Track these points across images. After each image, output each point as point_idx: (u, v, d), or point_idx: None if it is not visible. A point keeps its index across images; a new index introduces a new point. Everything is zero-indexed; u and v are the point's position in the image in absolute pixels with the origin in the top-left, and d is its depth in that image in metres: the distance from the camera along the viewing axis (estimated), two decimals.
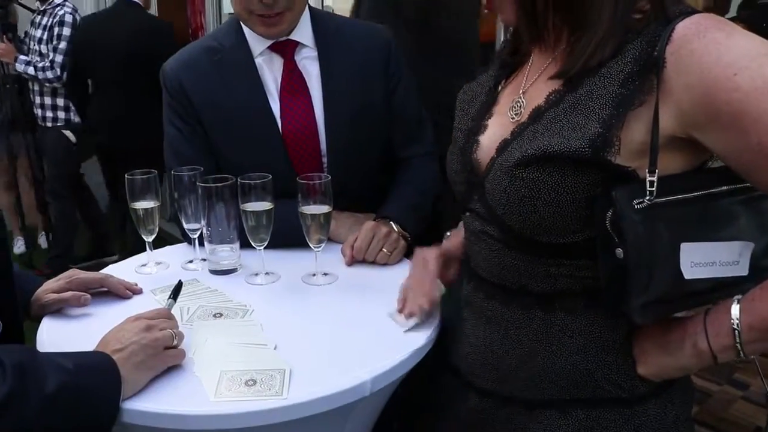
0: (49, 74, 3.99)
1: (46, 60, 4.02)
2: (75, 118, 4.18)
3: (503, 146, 0.99)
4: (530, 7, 0.95)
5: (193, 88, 1.51)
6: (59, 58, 3.99)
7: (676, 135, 0.88)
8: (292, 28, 1.51)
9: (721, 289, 0.92)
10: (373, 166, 1.64)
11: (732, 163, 0.87)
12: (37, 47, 4.11)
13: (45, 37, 4.09)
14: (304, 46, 1.54)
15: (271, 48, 1.52)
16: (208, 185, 1.35)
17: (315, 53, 1.54)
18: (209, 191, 1.35)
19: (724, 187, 0.91)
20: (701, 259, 0.90)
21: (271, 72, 1.53)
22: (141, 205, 1.40)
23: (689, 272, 0.89)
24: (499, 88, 1.12)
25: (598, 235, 0.91)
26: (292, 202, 1.31)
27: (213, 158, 1.53)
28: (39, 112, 4.22)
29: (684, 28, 0.86)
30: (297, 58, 1.53)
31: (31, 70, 4.01)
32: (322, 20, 1.57)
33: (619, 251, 0.88)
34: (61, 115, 4.20)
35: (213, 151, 1.53)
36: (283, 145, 1.51)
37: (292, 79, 1.52)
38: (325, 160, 1.53)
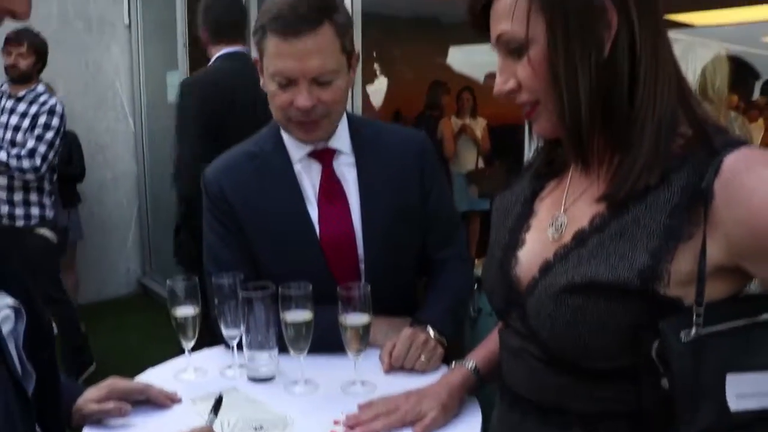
0: (26, 163, 3.50)
1: (21, 149, 3.54)
2: (50, 214, 3.70)
3: (546, 268, 1.00)
4: (576, 126, 0.95)
5: (233, 193, 1.55)
6: (42, 148, 3.54)
7: (724, 265, 0.88)
8: (329, 133, 1.55)
9: None
10: (409, 270, 1.65)
11: None
12: (8, 135, 3.62)
13: (24, 125, 3.62)
14: (341, 152, 1.58)
15: (310, 155, 1.56)
16: (249, 293, 1.37)
17: (352, 159, 1.58)
18: (249, 299, 1.37)
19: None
20: (748, 390, 0.88)
21: (309, 178, 1.56)
22: (182, 311, 1.42)
23: (735, 403, 0.87)
24: (536, 199, 1.14)
25: (643, 364, 0.90)
26: (331, 310, 1.32)
27: (252, 264, 1.55)
28: (4, 209, 3.59)
29: (733, 161, 0.87)
30: (335, 164, 1.57)
31: (2, 155, 3.47)
32: (359, 126, 1.62)
33: (665, 381, 0.87)
34: (35, 211, 3.67)
35: (252, 257, 1.55)
36: (322, 251, 1.53)
37: (330, 185, 1.55)
38: (362, 266, 1.55)
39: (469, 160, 6.29)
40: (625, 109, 0.94)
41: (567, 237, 1.01)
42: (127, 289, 6.02)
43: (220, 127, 2.75)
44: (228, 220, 1.56)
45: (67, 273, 4.60)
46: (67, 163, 4.55)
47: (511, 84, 0.99)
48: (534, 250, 1.06)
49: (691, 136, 0.95)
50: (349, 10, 3.46)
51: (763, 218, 0.83)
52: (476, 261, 2.07)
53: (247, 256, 1.55)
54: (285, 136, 1.57)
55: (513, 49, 0.97)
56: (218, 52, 3.00)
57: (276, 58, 1.42)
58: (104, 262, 5.79)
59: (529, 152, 2.51)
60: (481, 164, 6.35)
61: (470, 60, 7.78)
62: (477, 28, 1.03)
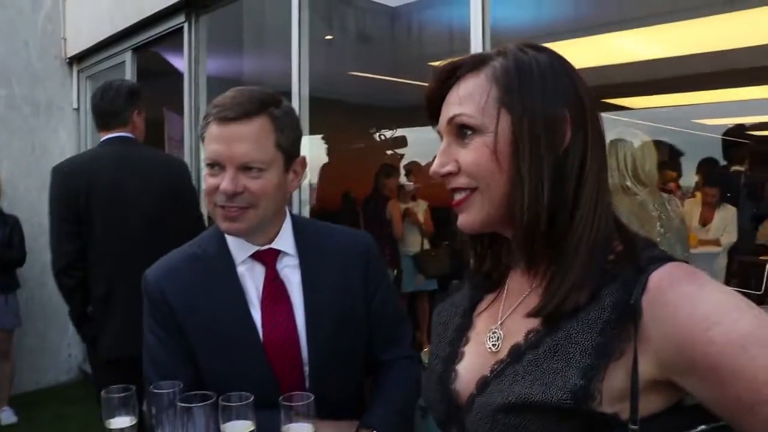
0: None
1: None
2: None
3: (483, 384, 1.00)
4: (533, 219, 0.96)
5: (174, 296, 1.53)
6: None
7: (657, 379, 0.89)
8: (254, 229, 1.51)
9: None
10: (355, 372, 1.63)
11: (712, 410, 0.88)
12: None
13: None
14: (285, 254, 1.58)
15: (254, 256, 1.55)
16: (188, 402, 1.33)
17: (296, 261, 1.58)
18: (189, 408, 1.33)
19: (703, 426, 0.92)
20: None
21: (252, 280, 1.55)
22: (117, 423, 1.37)
23: None
24: (474, 311, 1.15)
25: None
26: (273, 419, 1.29)
27: (193, 367, 1.51)
28: None
29: (658, 278, 0.89)
30: (279, 266, 1.57)
31: None
32: (303, 227, 1.63)
33: None
34: None
35: (193, 360, 1.52)
36: (265, 355, 1.50)
37: (274, 288, 1.54)
38: (306, 368, 1.53)
39: (414, 242, 6.35)
40: (566, 222, 0.96)
41: (503, 352, 1.01)
42: (67, 375, 5.82)
43: (83, 210, 2.96)
44: (168, 324, 1.53)
45: (3, 362, 4.41)
46: (6, 247, 4.43)
47: (450, 167, 1.00)
48: (472, 364, 1.06)
49: (621, 251, 0.97)
50: (297, 94, 3.62)
51: (688, 334, 0.85)
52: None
53: (187, 360, 1.52)
54: (229, 237, 1.56)
55: (461, 133, 0.99)
56: (104, 137, 3.17)
57: (210, 142, 1.45)
58: (44, 347, 5.61)
59: None
60: (426, 246, 6.41)
61: (413, 144, 7.97)
62: (429, 111, 1.06)
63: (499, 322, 1.06)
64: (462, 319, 1.14)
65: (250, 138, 1.43)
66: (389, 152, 8.15)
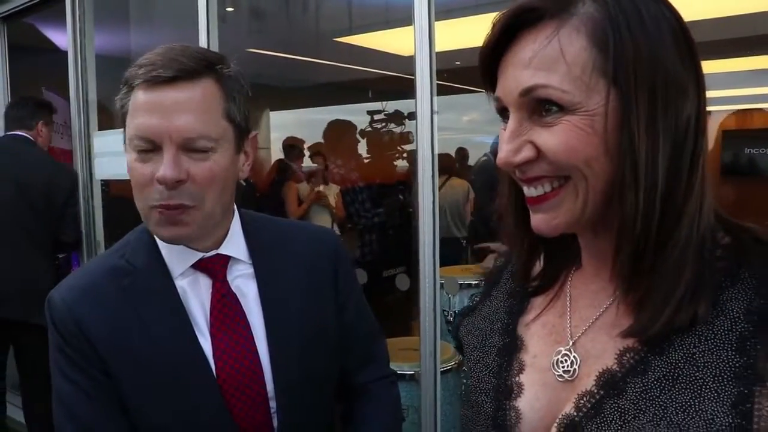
0: None
1: None
2: None
3: (570, 426, 0.74)
4: (646, 235, 0.71)
5: (95, 326, 1.15)
6: None
7: None
8: (202, 233, 1.17)
9: None
10: (328, 400, 1.33)
11: None
12: None
13: None
14: (237, 261, 1.24)
15: (196, 266, 1.21)
16: None
17: (251, 270, 1.25)
18: None
19: None
20: None
21: (197, 298, 1.20)
22: None
23: None
24: (518, 325, 0.88)
25: None
26: None
27: (125, 420, 1.16)
28: None
29: None
30: (229, 277, 1.23)
31: None
32: (255, 226, 1.29)
33: None
34: None
35: (125, 410, 1.16)
36: (219, 394, 1.17)
37: (225, 305, 1.20)
38: (273, 404, 1.21)
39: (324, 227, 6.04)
40: (675, 216, 0.71)
41: (586, 381, 0.76)
42: None
43: None
44: (89, 364, 1.15)
45: None
46: None
47: (527, 152, 0.73)
48: (539, 399, 0.80)
49: (730, 243, 0.74)
50: None
51: None
52: None
53: (116, 409, 1.15)
54: (161, 242, 1.21)
55: (540, 108, 0.72)
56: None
57: (137, 114, 1.08)
58: None
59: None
60: (336, 231, 6.13)
61: (315, 123, 7.65)
62: (483, 71, 0.79)
63: (570, 342, 0.80)
64: (503, 339, 0.88)
65: (194, 105, 1.08)
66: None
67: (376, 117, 6.77)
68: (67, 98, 3.74)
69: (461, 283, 3.17)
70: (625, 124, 0.69)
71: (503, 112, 0.77)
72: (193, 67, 1.09)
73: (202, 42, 2.98)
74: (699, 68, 0.72)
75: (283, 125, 8.16)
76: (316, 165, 6.22)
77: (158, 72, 1.06)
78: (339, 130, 6.75)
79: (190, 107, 1.08)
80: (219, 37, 3.09)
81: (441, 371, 2.38)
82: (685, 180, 0.71)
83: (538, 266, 0.90)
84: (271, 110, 8.69)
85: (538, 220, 0.76)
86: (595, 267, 0.81)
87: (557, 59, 0.70)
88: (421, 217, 2.27)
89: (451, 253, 5.22)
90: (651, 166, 0.69)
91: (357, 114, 6.88)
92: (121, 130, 1.14)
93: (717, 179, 6.17)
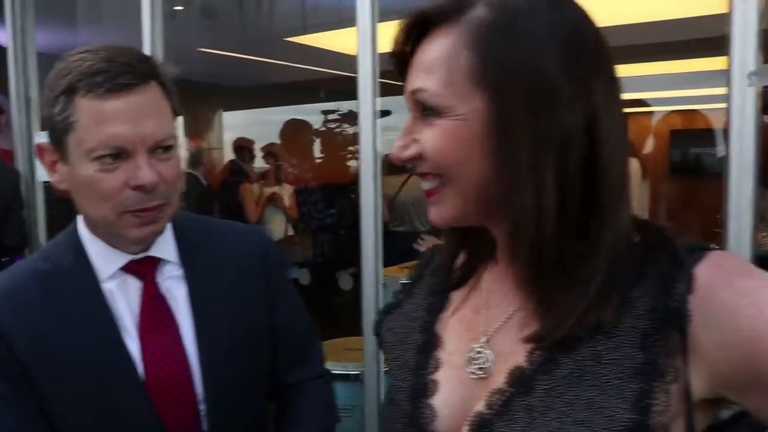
0: None
1: None
2: None
3: (481, 424, 0.75)
4: (542, 239, 0.72)
5: (16, 329, 1.13)
6: None
7: (704, 397, 0.71)
8: (162, 232, 1.21)
9: None
10: (260, 402, 1.32)
11: None
12: None
13: None
14: (166, 262, 1.23)
15: (125, 269, 1.19)
16: None
17: (181, 271, 1.24)
18: None
19: None
20: None
21: (125, 300, 1.19)
22: None
23: None
24: (437, 322, 0.89)
25: None
26: None
27: (46, 425, 1.14)
28: None
29: (706, 272, 0.70)
30: (159, 279, 1.22)
31: None
32: (184, 226, 1.28)
33: None
34: None
35: (47, 416, 1.14)
36: (147, 397, 1.15)
37: (154, 308, 1.19)
38: (202, 407, 1.20)
39: (279, 228, 6.00)
40: (583, 219, 0.73)
41: (498, 378, 0.77)
42: None
43: None
44: (6, 368, 1.13)
45: None
46: None
47: (413, 149, 0.76)
48: (454, 397, 0.81)
49: (641, 242, 0.76)
50: None
51: (755, 341, 0.66)
52: None
53: (36, 415, 1.13)
54: (90, 245, 1.19)
55: (423, 110, 0.75)
56: None
57: (99, 124, 1.05)
58: None
59: None
60: (290, 232, 6.10)
61: (268, 123, 7.61)
62: (400, 71, 0.81)
63: (484, 339, 0.81)
64: (423, 336, 0.88)
65: (156, 108, 1.10)
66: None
67: (329, 117, 6.77)
68: (8, 97, 3.64)
69: (404, 283, 3.17)
70: (499, 131, 0.71)
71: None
72: (144, 70, 1.09)
73: (146, 41, 2.94)
74: (590, 78, 0.72)
75: (235, 125, 8.09)
76: (268, 165, 6.19)
77: (119, 80, 1.05)
78: (295, 130, 6.73)
79: (152, 110, 1.08)
80: (169, 36, 3.05)
81: (384, 371, 2.38)
82: (579, 187, 0.72)
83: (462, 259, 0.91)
84: (225, 110, 8.62)
85: (431, 213, 0.79)
86: (507, 263, 0.82)
87: (438, 64, 0.73)
88: (364, 217, 2.28)
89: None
90: (528, 173, 0.70)
91: (310, 114, 6.87)
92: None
93: (666, 177, 6.32)
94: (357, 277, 2.87)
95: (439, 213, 0.79)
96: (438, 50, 0.74)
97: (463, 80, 0.72)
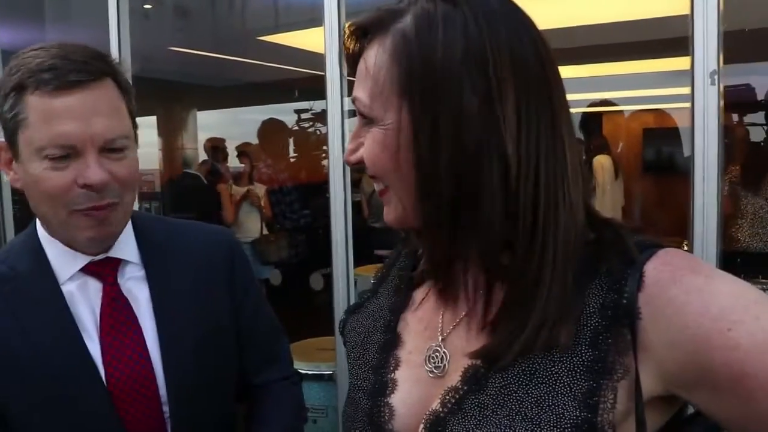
0: None
1: None
2: None
3: (436, 423, 0.76)
4: (434, 227, 0.75)
5: None
6: None
7: (657, 395, 0.71)
8: (119, 233, 1.18)
9: None
10: (226, 402, 1.31)
11: (731, 428, 0.70)
12: None
13: None
14: (127, 263, 1.22)
15: (85, 270, 1.18)
16: None
17: (142, 272, 1.22)
18: None
19: None
20: None
21: (86, 303, 1.17)
22: None
23: None
24: (399, 321, 0.90)
25: None
26: None
27: (4, 430, 1.12)
28: None
29: (654, 270, 0.70)
30: (120, 280, 1.20)
31: None
32: (145, 226, 1.27)
33: None
34: None
35: (5, 421, 1.12)
36: (109, 401, 1.14)
37: (116, 309, 1.18)
38: (166, 408, 1.19)
39: (254, 228, 5.98)
40: (527, 222, 0.73)
41: (453, 376, 0.78)
42: None
43: None
44: None
45: None
46: None
47: (358, 155, 0.79)
48: (411, 395, 0.81)
49: (595, 239, 0.77)
50: None
51: (701, 338, 0.67)
52: None
53: None
54: (48, 247, 1.18)
55: (364, 118, 0.78)
56: None
57: (48, 122, 1.04)
58: None
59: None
60: (265, 231, 6.07)
61: (242, 123, 7.57)
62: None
63: (440, 338, 0.82)
64: (385, 335, 0.89)
65: (107, 107, 1.08)
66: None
67: (302, 116, 6.75)
68: None
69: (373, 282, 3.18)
70: (418, 143, 0.72)
71: None
72: (98, 67, 1.08)
73: (113, 39, 2.91)
74: (502, 84, 0.71)
75: (209, 125, 8.04)
76: (243, 165, 6.15)
77: (69, 77, 1.04)
78: (272, 130, 6.70)
79: (104, 109, 1.07)
80: (140, 35, 3.03)
81: None
82: (500, 198, 0.72)
83: None
84: (199, 110, 8.55)
85: (384, 213, 0.81)
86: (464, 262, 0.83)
87: (369, 74, 0.75)
88: (333, 217, 2.28)
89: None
90: (447, 185, 0.72)
91: (284, 113, 6.84)
92: None
93: (639, 175, 6.38)
94: (329, 277, 2.87)
95: (387, 213, 0.80)
96: (370, 60, 0.75)
97: (389, 91, 0.73)
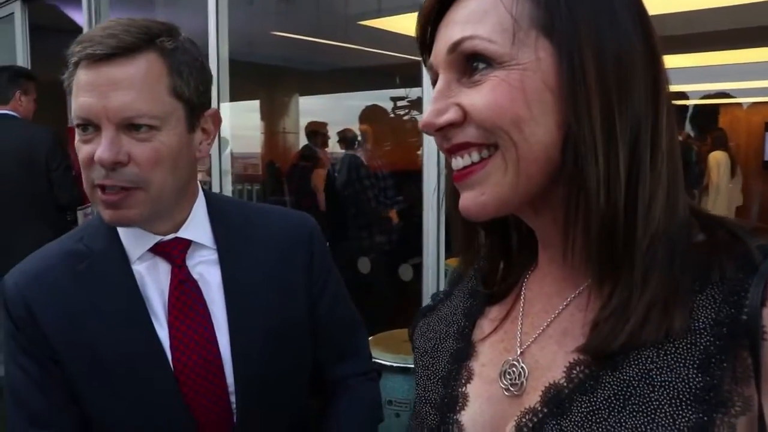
0: None
1: None
2: None
3: None
4: (612, 217, 0.61)
5: (46, 311, 1.10)
6: None
7: None
8: (149, 216, 1.09)
9: None
10: (298, 398, 1.25)
11: None
12: None
13: None
14: (200, 246, 1.17)
15: (155, 250, 1.14)
16: None
17: (215, 256, 1.17)
18: None
19: None
20: None
21: (155, 285, 1.14)
22: None
23: None
24: (474, 330, 0.79)
25: None
26: None
27: (75, 410, 1.10)
28: None
29: None
30: (190, 263, 1.16)
31: None
32: (221, 209, 1.22)
33: None
34: None
35: (75, 400, 1.10)
36: (176, 386, 1.10)
37: (184, 293, 1.13)
38: (233, 398, 1.14)
39: None
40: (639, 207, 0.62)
41: (532, 395, 0.67)
42: None
43: None
44: (38, 351, 1.10)
45: None
46: None
47: (451, 114, 0.64)
48: (483, 414, 0.71)
49: (704, 242, 0.64)
50: (215, 57, 3.21)
51: None
52: None
53: (66, 399, 1.10)
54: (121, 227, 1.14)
55: (468, 67, 0.64)
56: None
57: (78, 93, 1.03)
58: None
59: None
60: None
61: (343, 108, 7.56)
62: (421, 39, 0.71)
63: (518, 351, 0.71)
64: (458, 344, 0.79)
65: (132, 82, 1.02)
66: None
67: (398, 103, 6.66)
68: None
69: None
70: (567, 83, 0.60)
71: (433, 77, 0.69)
72: (132, 41, 1.03)
73: (211, 26, 2.93)
74: (652, 38, 0.63)
75: (309, 111, 8.10)
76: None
77: (94, 49, 1.01)
78: (375, 116, 6.65)
79: (128, 85, 1.02)
80: (243, 20, 3.04)
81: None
82: (649, 164, 0.61)
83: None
84: (300, 95, 8.63)
85: (465, 200, 0.67)
86: (549, 264, 0.72)
87: (490, 11, 0.63)
88: (426, 206, 2.20)
89: None
90: (601, 135, 0.60)
91: (380, 100, 6.77)
92: None
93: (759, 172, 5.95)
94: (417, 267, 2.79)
95: (478, 195, 0.65)
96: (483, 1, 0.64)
97: (522, 25, 0.62)
